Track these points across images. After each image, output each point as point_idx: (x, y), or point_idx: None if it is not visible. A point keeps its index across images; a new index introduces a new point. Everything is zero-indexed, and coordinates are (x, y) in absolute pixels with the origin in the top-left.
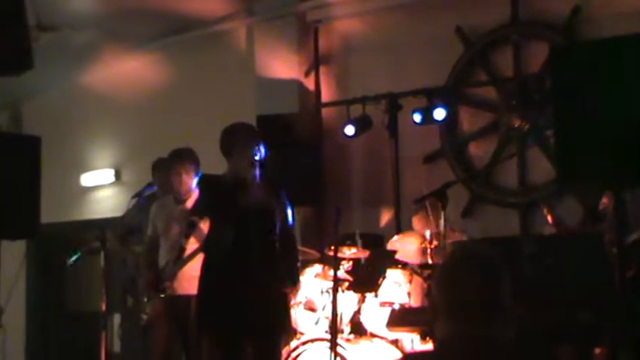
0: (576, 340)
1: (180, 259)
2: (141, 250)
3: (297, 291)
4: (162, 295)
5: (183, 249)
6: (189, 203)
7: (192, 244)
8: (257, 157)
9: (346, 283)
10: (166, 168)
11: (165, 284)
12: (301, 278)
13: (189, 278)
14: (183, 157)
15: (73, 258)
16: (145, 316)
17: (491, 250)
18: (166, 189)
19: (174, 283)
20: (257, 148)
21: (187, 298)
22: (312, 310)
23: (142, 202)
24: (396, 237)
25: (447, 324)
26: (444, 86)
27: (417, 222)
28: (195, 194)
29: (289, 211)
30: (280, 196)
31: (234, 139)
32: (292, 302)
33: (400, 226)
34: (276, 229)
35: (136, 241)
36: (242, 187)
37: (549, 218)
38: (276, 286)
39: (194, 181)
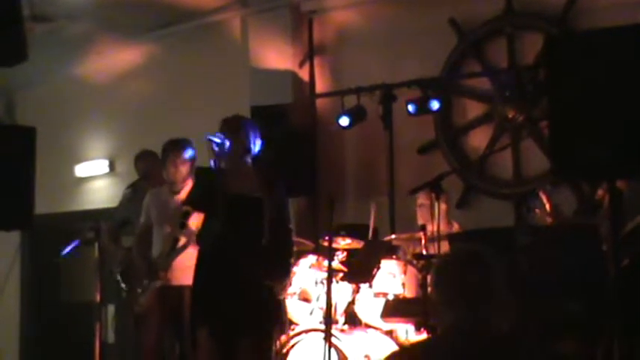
0: (574, 332)
1: (173, 250)
2: (131, 244)
3: (283, 283)
4: (155, 283)
5: (176, 239)
6: (184, 193)
7: (185, 235)
8: (251, 148)
9: (340, 274)
10: (163, 157)
11: (160, 274)
12: (294, 270)
13: (182, 268)
14: (179, 146)
15: (69, 248)
16: (138, 307)
17: (488, 246)
18: (157, 180)
19: (168, 274)
20: (252, 138)
21: (180, 288)
22: (307, 300)
23: (135, 193)
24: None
25: (446, 316)
26: (438, 77)
27: (421, 214)
28: (189, 184)
29: (284, 203)
30: (273, 187)
31: (230, 129)
32: (282, 294)
33: (394, 217)
34: (262, 220)
35: (128, 233)
36: (229, 176)
37: (547, 206)
38: (260, 277)
39: (189, 170)
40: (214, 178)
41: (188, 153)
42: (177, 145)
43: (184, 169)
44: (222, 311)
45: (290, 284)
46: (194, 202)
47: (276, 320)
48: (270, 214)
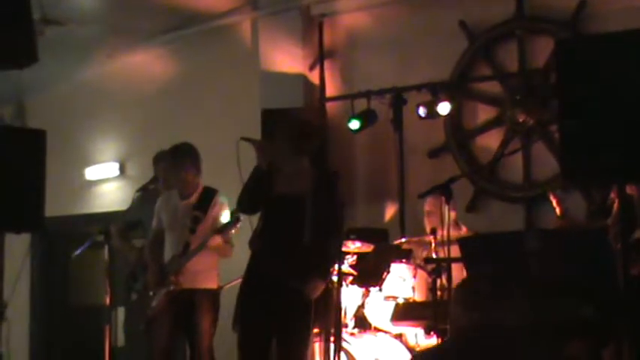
0: (584, 336)
1: (185, 254)
2: (143, 244)
3: (315, 286)
4: (167, 289)
5: (188, 244)
6: (194, 198)
7: (197, 239)
8: (303, 148)
9: (350, 277)
10: (166, 165)
11: (171, 279)
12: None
13: (194, 272)
14: (179, 154)
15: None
16: (150, 310)
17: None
18: (168, 183)
19: (180, 278)
20: (303, 139)
21: (192, 291)
22: None
23: (146, 195)
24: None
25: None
26: (448, 81)
27: (429, 220)
28: (200, 188)
29: (332, 203)
30: (321, 187)
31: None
32: (313, 296)
33: (404, 220)
34: (302, 221)
35: (137, 236)
36: (279, 176)
37: (558, 210)
38: (293, 279)
39: (194, 176)
40: (257, 174)
41: (188, 159)
42: (177, 153)
43: (186, 175)
44: (255, 312)
45: (325, 287)
46: (239, 205)
47: (305, 323)
48: (313, 215)
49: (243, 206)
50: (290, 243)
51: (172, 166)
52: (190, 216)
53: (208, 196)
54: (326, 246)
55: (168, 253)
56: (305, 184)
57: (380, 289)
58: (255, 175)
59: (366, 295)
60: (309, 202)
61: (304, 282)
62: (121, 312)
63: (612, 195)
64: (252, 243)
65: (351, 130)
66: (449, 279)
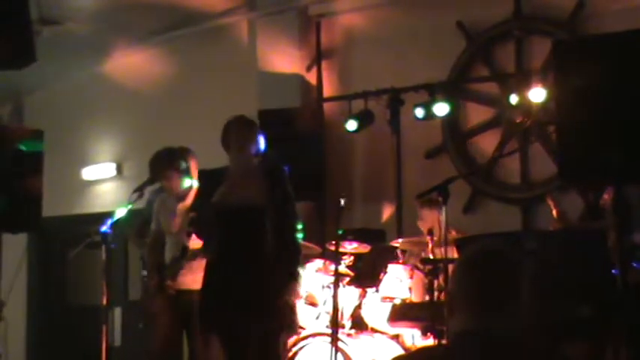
0: (582, 336)
1: (183, 258)
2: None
3: (294, 288)
4: (165, 293)
5: (185, 247)
6: (189, 199)
7: (194, 240)
8: (252, 151)
9: (347, 278)
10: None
11: (167, 283)
12: (303, 275)
13: (191, 274)
14: (167, 159)
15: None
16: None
17: (512, 247)
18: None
19: (179, 278)
20: (252, 142)
21: (190, 292)
22: (313, 304)
23: (152, 196)
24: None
25: (464, 318)
26: (446, 81)
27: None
28: (193, 190)
29: (289, 207)
30: (277, 192)
31: (229, 134)
32: (291, 298)
33: (401, 221)
34: (264, 227)
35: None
36: (227, 184)
37: (554, 212)
38: (267, 282)
39: (185, 178)
40: (212, 182)
41: (176, 164)
42: (165, 159)
43: (177, 179)
44: (230, 320)
45: (300, 286)
46: (195, 227)
47: (285, 324)
48: (272, 220)
49: (198, 231)
50: (252, 251)
51: (155, 178)
52: (187, 218)
53: None
54: (290, 249)
55: (168, 255)
56: (254, 190)
57: (377, 290)
58: (212, 181)
59: (362, 295)
60: (266, 207)
61: (281, 284)
62: (117, 312)
63: (605, 196)
64: (209, 249)
65: (349, 130)
66: (446, 280)
